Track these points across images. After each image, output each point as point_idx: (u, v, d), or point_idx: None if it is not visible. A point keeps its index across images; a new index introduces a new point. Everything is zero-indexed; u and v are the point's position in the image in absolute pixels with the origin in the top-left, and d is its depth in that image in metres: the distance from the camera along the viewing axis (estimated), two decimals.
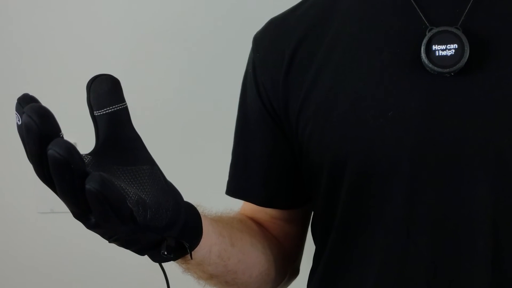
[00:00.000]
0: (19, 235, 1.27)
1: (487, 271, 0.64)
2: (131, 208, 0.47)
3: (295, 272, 0.87)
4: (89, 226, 0.49)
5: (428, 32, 0.65)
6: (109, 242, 0.51)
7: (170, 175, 0.56)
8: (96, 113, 0.50)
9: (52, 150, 0.43)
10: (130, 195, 0.48)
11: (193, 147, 1.20)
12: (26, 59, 1.22)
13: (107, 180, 0.44)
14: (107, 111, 0.50)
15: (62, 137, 0.45)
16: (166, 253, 0.55)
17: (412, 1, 0.67)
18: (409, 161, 0.65)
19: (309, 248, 0.86)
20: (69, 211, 0.48)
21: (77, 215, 0.48)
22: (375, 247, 0.68)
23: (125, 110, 0.52)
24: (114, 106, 0.50)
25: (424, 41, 0.64)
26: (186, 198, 0.59)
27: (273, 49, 0.76)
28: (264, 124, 0.78)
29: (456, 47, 0.64)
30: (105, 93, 0.50)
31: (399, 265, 0.67)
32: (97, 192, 0.44)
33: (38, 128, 0.44)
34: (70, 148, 0.43)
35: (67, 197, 0.46)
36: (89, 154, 0.50)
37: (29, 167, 0.46)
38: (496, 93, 0.63)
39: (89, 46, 1.20)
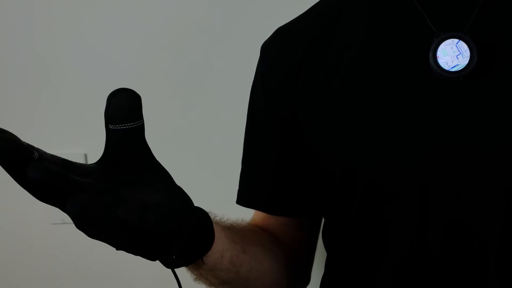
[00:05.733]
0: (33, 246, 1.28)
1: (499, 284, 0.64)
2: (122, 219, 0.47)
3: (306, 280, 0.87)
4: (91, 236, 0.49)
5: (436, 38, 0.65)
6: (117, 249, 0.52)
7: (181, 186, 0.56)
8: (111, 126, 0.50)
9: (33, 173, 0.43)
10: (134, 204, 0.48)
11: (204, 157, 1.20)
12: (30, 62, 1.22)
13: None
14: (122, 127, 0.50)
15: (37, 156, 0.44)
16: (175, 257, 0.55)
17: (419, 8, 0.67)
18: (419, 168, 0.65)
19: (320, 255, 0.86)
20: None
21: (79, 228, 0.49)
22: (389, 254, 0.69)
23: (141, 127, 0.51)
24: (130, 124, 0.50)
25: (432, 47, 0.65)
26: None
27: (281, 58, 0.76)
28: (273, 133, 0.78)
29: (464, 52, 0.64)
30: (124, 109, 0.49)
31: (413, 272, 0.67)
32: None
33: (5, 161, 0.44)
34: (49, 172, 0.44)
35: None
36: (95, 163, 0.50)
37: None
38: (505, 97, 0.62)
39: (92, 49, 1.20)
